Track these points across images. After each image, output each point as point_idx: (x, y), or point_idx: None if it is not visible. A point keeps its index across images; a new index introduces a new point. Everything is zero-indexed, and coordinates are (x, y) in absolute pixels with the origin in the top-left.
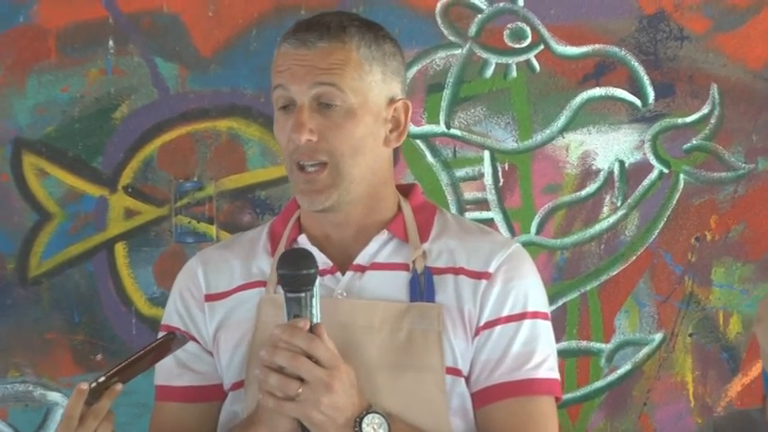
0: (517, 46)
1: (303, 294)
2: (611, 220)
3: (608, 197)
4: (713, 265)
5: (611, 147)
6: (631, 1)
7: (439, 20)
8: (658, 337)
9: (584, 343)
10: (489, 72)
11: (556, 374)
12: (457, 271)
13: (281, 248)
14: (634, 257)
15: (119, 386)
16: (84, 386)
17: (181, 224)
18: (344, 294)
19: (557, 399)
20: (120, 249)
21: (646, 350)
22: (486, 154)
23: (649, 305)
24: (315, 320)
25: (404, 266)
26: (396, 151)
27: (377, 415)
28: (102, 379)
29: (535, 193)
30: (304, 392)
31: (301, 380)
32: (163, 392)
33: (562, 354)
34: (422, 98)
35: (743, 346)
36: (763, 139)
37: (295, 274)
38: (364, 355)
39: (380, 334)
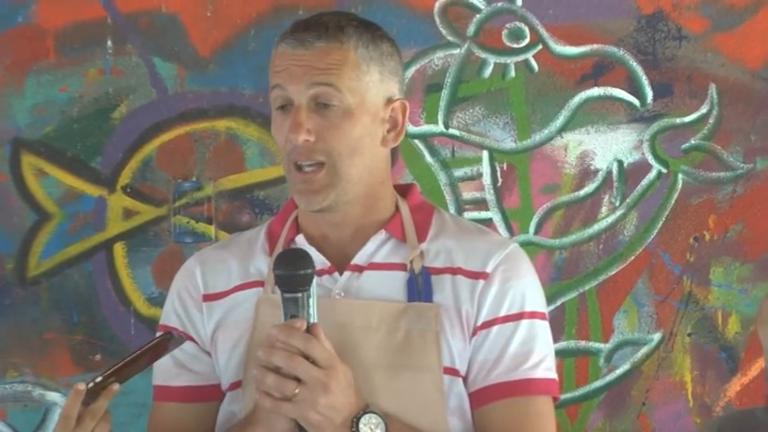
0: (515, 46)
1: (300, 294)
2: (610, 219)
3: (606, 197)
4: (712, 265)
5: (610, 147)
6: (630, 1)
7: (437, 20)
8: (657, 336)
9: (582, 343)
10: (488, 72)
11: (553, 374)
12: (454, 271)
13: (279, 248)
14: (633, 257)
15: (116, 386)
16: (82, 386)
17: (179, 224)
18: (342, 294)
19: (554, 399)
20: (119, 249)
21: (644, 350)
22: (485, 154)
23: (648, 305)
24: (312, 321)
25: (401, 266)
26: (394, 151)
27: (374, 415)
28: (99, 379)
29: (534, 192)
30: (301, 393)
31: (298, 380)
32: (161, 392)
33: (561, 354)
34: (420, 98)
35: (742, 346)
36: (761, 139)
37: (292, 274)
38: (362, 355)
39: (378, 334)
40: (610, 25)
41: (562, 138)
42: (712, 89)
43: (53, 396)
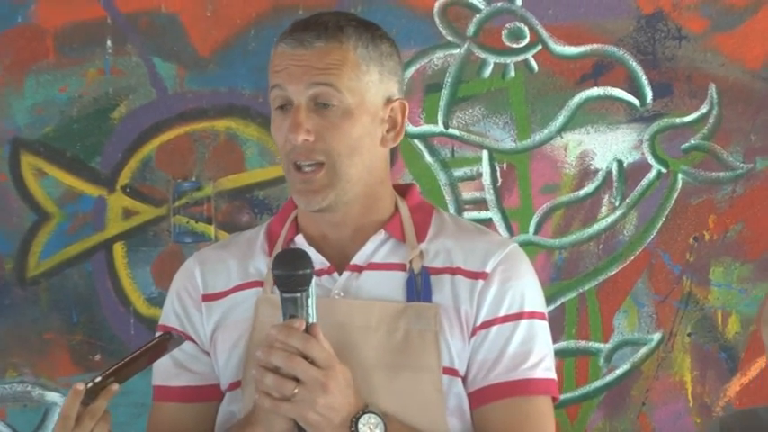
0: (515, 46)
1: (299, 294)
2: (610, 219)
3: (606, 197)
4: (711, 265)
5: (610, 146)
6: (629, 1)
7: (437, 20)
8: (657, 336)
9: (582, 343)
10: (487, 72)
11: (553, 374)
12: (454, 271)
13: (279, 248)
14: (632, 257)
15: (115, 386)
16: (81, 386)
17: (179, 224)
18: (341, 294)
19: (554, 399)
20: (119, 249)
21: (644, 350)
22: (485, 154)
23: (648, 305)
24: (311, 320)
25: (401, 266)
26: (393, 151)
27: (373, 415)
28: (98, 379)
29: (533, 192)
30: (300, 393)
31: (297, 380)
32: (160, 392)
33: (561, 353)
34: (420, 98)
35: (741, 346)
36: (761, 139)
37: (290, 274)
38: (361, 355)
39: (377, 334)
40: (609, 25)
41: (562, 138)
42: (712, 89)
43: (53, 396)
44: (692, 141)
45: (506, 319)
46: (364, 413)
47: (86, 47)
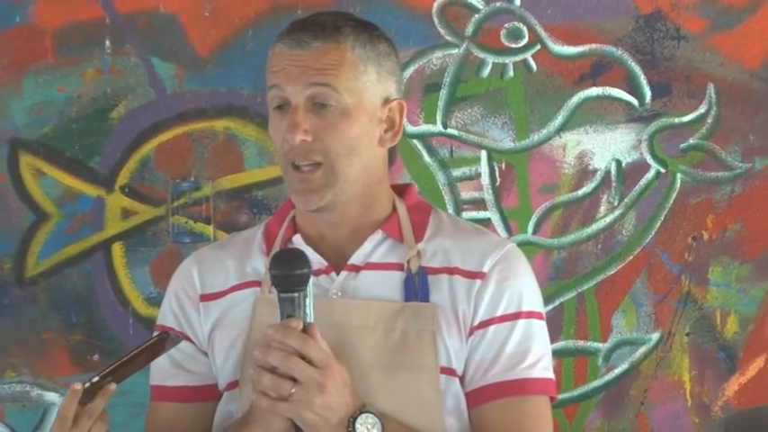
0: (514, 46)
1: (296, 294)
2: (608, 219)
3: (605, 197)
4: (710, 265)
5: (608, 146)
6: (628, 1)
7: (436, 20)
8: (655, 336)
9: (581, 342)
10: (486, 72)
11: (550, 374)
12: (451, 271)
13: (276, 248)
14: (631, 257)
15: (113, 386)
16: (78, 386)
17: (178, 224)
18: (339, 294)
19: (552, 398)
20: (118, 249)
21: (643, 349)
22: (483, 154)
23: (646, 304)
24: (308, 320)
25: (398, 266)
26: (392, 151)
27: (370, 415)
28: (95, 379)
29: (532, 192)
30: (297, 392)
31: (294, 380)
32: (158, 392)
33: (559, 353)
34: (419, 98)
35: (740, 346)
36: (759, 139)
37: (288, 274)
38: (358, 354)
39: (375, 334)
40: (608, 25)
41: (560, 137)
42: (711, 89)
43: (51, 396)
44: (691, 141)
45: (504, 318)
46: (362, 413)
47: (85, 47)
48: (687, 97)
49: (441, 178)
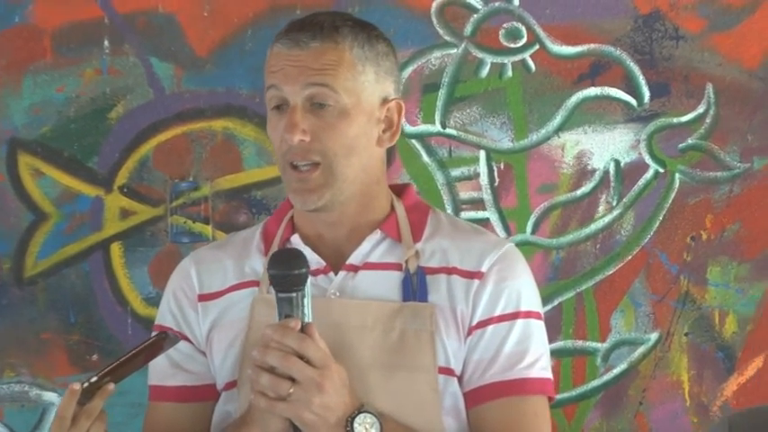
0: (512, 46)
1: (294, 294)
2: (607, 219)
3: (603, 197)
4: (709, 265)
5: (607, 146)
6: (627, 0)
7: (434, 20)
8: (654, 336)
9: (579, 342)
10: (485, 72)
11: (548, 374)
12: (450, 271)
13: (275, 248)
14: (630, 257)
15: (111, 386)
16: (77, 386)
17: (176, 224)
18: (337, 294)
19: (550, 398)
20: (116, 249)
21: (641, 349)
22: (482, 154)
23: (645, 304)
24: (306, 320)
25: (397, 266)
26: (390, 151)
27: (369, 414)
28: (94, 379)
29: (531, 192)
30: (295, 392)
31: (293, 380)
32: (156, 392)
33: (558, 353)
34: (417, 98)
35: (739, 346)
36: (758, 139)
37: (286, 274)
38: (357, 354)
39: (373, 334)
40: (607, 25)
41: (559, 137)
42: (709, 89)
43: (50, 396)
44: (690, 141)
45: (502, 318)
46: (360, 413)
47: (83, 47)
48: (686, 97)
49: (439, 178)
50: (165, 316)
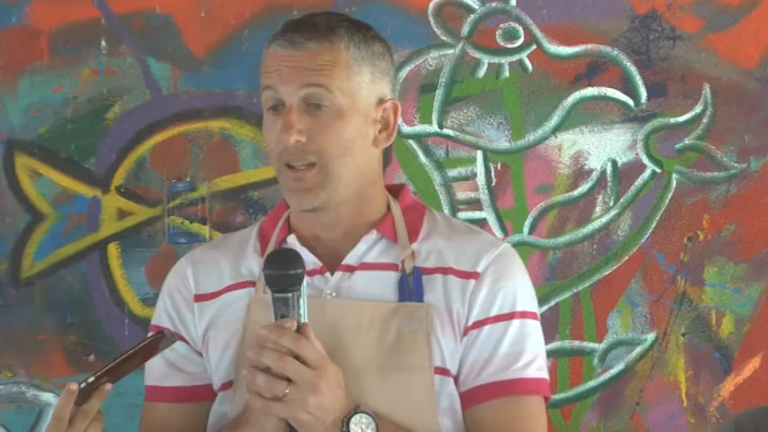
0: (509, 46)
1: (290, 295)
2: (604, 219)
3: (600, 197)
4: (705, 265)
5: (604, 146)
6: (623, 1)
7: (431, 20)
8: (651, 336)
9: (576, 343)
10: (482, 72)
11: (545, 374)
12: (446, 271)
13: (271, 249)
14: (626, 257)
15: (108, 386)
16: (74, 387)
17: (173, 225)
18: (333, 294)
19: (546, 399)
20: (113, 250)
21: (638, 350)
22: (479, 154)
23: (642, 305)
24: (302, 321)
25: (393, 267)
26: (388, 151)
27: (365, 415)
28: (91, 379)
29: (528, 193)
30: (291, 393)
31: (288, 380)
32: (152, 393)
33: (555, 354)
34: (414, 98)
35: (735, 346)
36: (755, 139)
37: (282, 274)
38: (353, 355)
39: (369, 334)
40: (603, 25)
41: (556, 138)
42: (706, 89)
43: (47, 397)
44: (686, 141)
45: (498, 318)
46: (355, 413)
47: (80, 47)
48: (682, 97)
49: (436, 178)
50: (161, 316)
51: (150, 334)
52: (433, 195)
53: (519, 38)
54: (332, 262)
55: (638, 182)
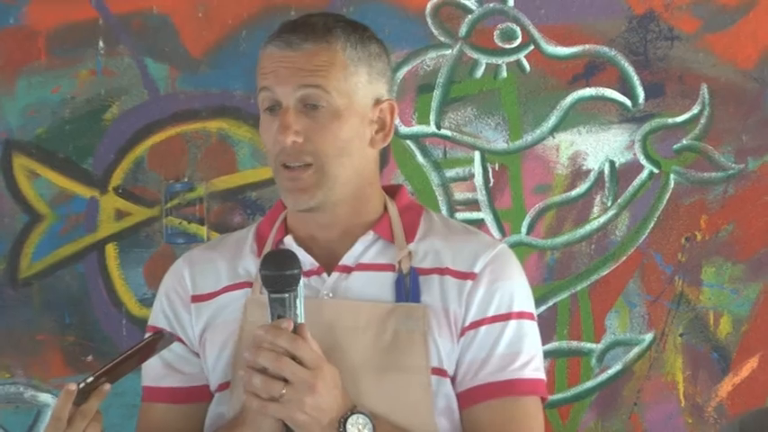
0: (507, 46)
1: (287, 295)
2: (602, 220)
3: (598, 197)
4: (703, 265)
5: (602, 147)
6: (621, 1)
7: (429, 20)
8: (649, 337)
9: (574, 343)
10: (479, 72)
11: (542, 375)
12: (443, 271)
13: (268, 249)
14: (624, 257)
15: (107, 386)
16: (73, 387)
17: (171, 225)
18: (330, 295)
19: (543, 399)
20: (111, 250)
21: (636, 350)
22: (477, 154)
23: (640, 305)
24: (299, 321)
25: (390, 267)
26: (385, 151)
27: (361, 415)
28: (90, 379)
29: (525, 193)
30: (287, 393)
31: (285, 381)
32: (149, 393)
33: (553, 354)
34: (412, 99)
35: (733, 346)
36: (752, 139)
37: (278, 274)
38: (349, 355)
39: (366, 335)
40: (601, 26)
41: (554, 138)
42: (704, 89)
43: (45, 397)
44: (684, 142)
45: (495, 319)
46: (352, 414)
47: (78, 48)
48: (680, 98)
49: (434, 179)
50: (158, 317)
51: (148, 334)
52: (430, 196)
53: (517, 38)
54: (329, 262)
55: (636, 182)
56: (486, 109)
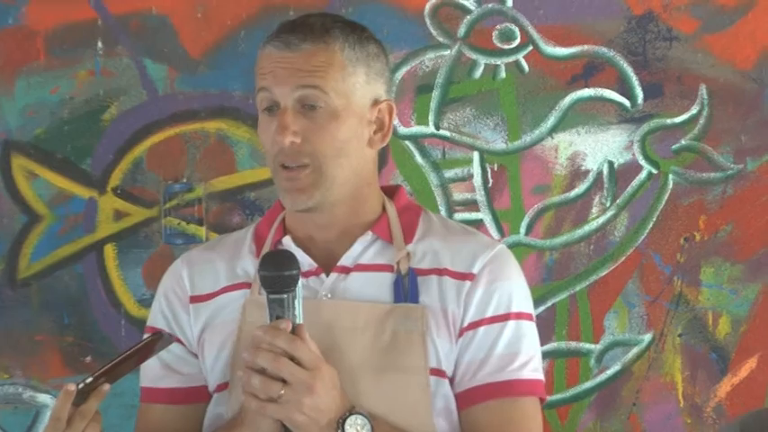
0: (506, 47)
1: (285, 296)
2: (601, 220)
3: (597, 198)
4: (702, 266)
5: (600, 147)
6: (620, 2)
7: (428, 21)
8: (647, 337)
9: (573, 343)
10: (478, 73)
11: (540, 375)
12: (441, 272)
13: (266, 250)
14: (623, 258)
15: (106, 386)
16: (72, 387)
17: (170, 226)
18: (329, 296)
19: (541, 400)
20: (110, 251)
21: (635, 350)
22: (476, 155)
23: (638, 305)
24: (297, 322)
25: (388, 267)
26: (384, 152)
27: (360, 416)
28: (89, 380)
29: (524, 193)
30: (286, 394)
31: (284, 381)
32: (148, 394)
33: (551, 354)
34: (411, 99)
35: (732, 347)
36: (751, 140)
37: (277, 275)
38: (348, 356)
39: (364, 335)
40: (600, 26)
41: (553, 139)
42: (702, 90)
43: (43, 398)
44: (683, 142)
45: (493, 319)
46: (351, 414)
47: (77, 48)
48: (679, 98)
49: (433, 179)
50: (156, 317)
51: (147, 335)
52: (429, 196)
53: (515, 39)
54: (327, 263)
55: (635, 183)
56: (484, 109)
